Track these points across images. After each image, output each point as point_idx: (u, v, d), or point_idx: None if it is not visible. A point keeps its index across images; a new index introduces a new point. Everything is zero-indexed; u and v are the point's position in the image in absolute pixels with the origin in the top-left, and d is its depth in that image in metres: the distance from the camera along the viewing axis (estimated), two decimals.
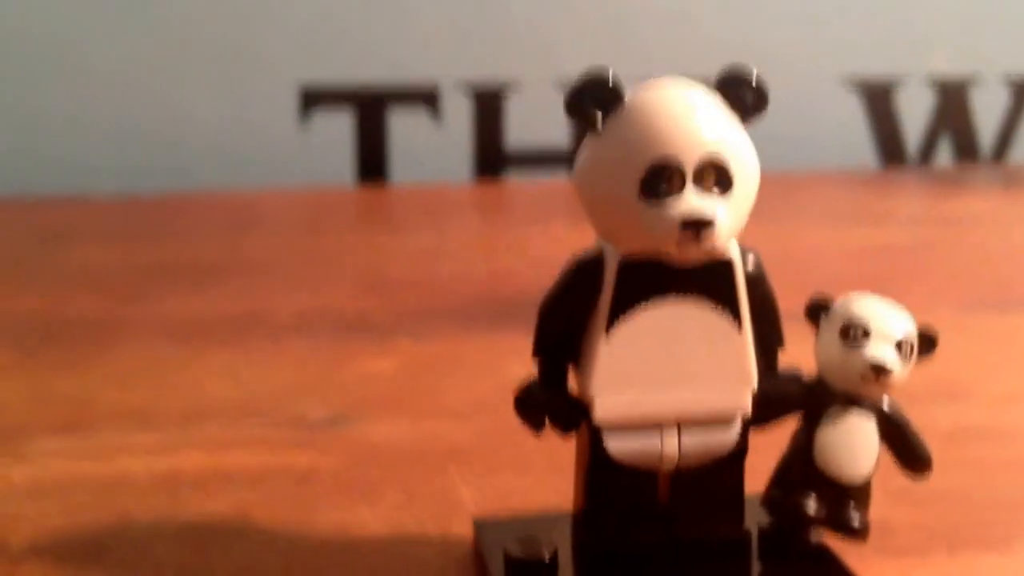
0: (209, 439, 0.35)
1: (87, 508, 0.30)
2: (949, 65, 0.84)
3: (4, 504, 0.30)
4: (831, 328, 0.25)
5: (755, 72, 0.22)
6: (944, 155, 0.86)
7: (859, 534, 0.25)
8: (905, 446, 0.25)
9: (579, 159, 0.23)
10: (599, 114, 0.22)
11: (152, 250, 0.59)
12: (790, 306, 0.25)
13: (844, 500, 0.25)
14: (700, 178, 0.22)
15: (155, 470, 0.32)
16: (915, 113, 0.85)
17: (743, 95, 0.22)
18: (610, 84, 0.22)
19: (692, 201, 0.22)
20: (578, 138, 0.23)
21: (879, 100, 0.84)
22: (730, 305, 0.24)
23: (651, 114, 0.22)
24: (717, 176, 0.22)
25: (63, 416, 0.37)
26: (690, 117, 0.22)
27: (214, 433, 0.35)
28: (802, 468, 0.25)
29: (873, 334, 0.24)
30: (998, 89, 0.86)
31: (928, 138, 0.86)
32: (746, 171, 0.22)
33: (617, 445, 0.24)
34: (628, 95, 0.22)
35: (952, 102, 0.85)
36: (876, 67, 0.84)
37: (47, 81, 0.73)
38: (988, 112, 0.86)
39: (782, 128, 0.78)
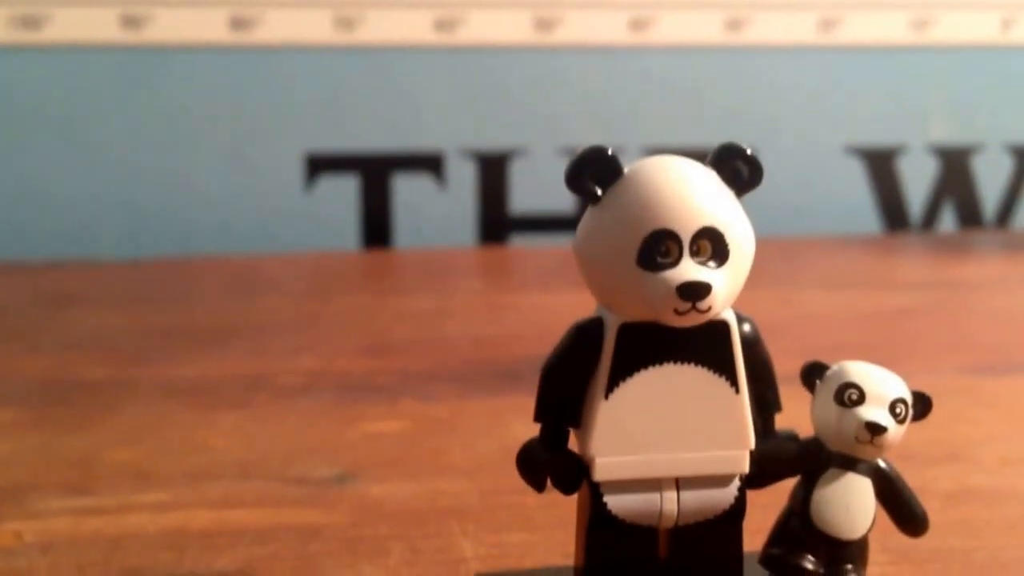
0: (216, 497, 0.35)
1: (96, 564, 0.30)
2: (948, 135, 0.86)
3: (15, 560, 0.31)
4: (826, 391, 0.25)
5: (748, 147, 0.23)
6: (947, 221, 0.87)
7: None
8: (901, 506, 0.26)
9: (580, 229, 0.24)
10: (598, 188, 0.23)
11: (159, 313, 0.60)
12: (790, 369, 0.26)
13: (841, 558, 0.26)
14: (696, 249, 0.23)
15: (163, 527, 0.33)
16: (918, 180, 0.86)
17: (738, 169, 0.23)
18: (609, 158, 0.23)
19: (689, 271, 0.22)
20: (581, 206, 0.24)
21: (882, 167, 0.85)
22: (727, 368, 0.24)
23: (649, 187, 0.23)
24: (713, 247, 0.23)
25: (72, 474, 0.37)
26: (687, 190, 0.23)
27: (221, 491, 0.36)
28: (800, 526, 0.26)
29: (867, 396, 0.25)
30: (1000, 156, 0.87)
31: (931, 204, 0.87)
32: (741, 242, 0.23)
33: (617, 503, 0.24)
34: (627, 169, 0.23)
35: (954, 169, 0.86)
36: (878, 135, 0.85)
37: (55, 149, 0.75)
38: (991, 179, 0.87)
39: (786, 196, 0.80)
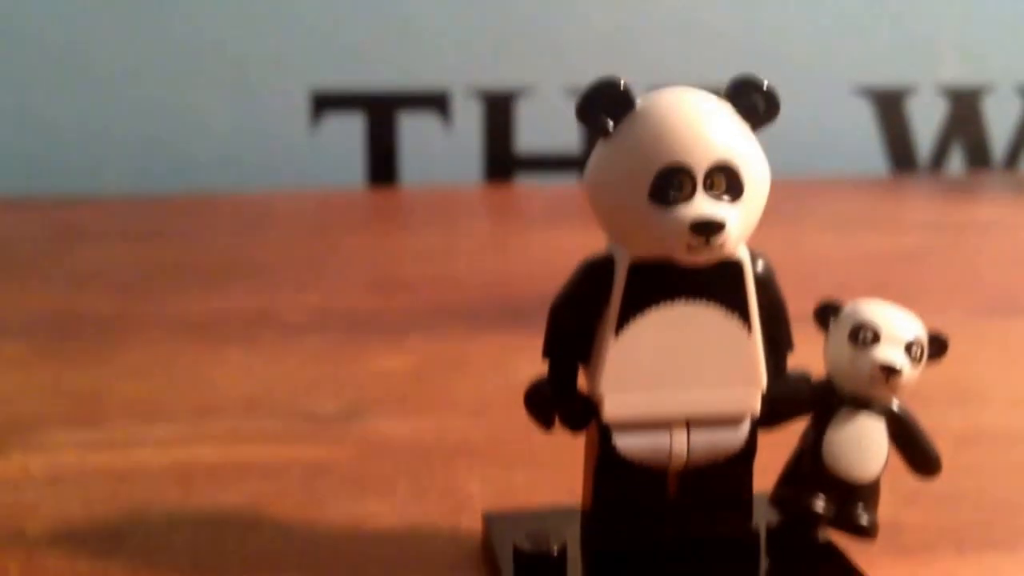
0: (222, 432, 0.35)
1: (103, 498, 0.31)
2: (959, 73, 0.85)
3: (22, 493, 0.31)
4: (840, 331, 0.25)
5: (766, 80, 0.23)
6: (956, 163, 0.86)
7: (867, 533, 0.25)
8: (914, 447, 0.26)
9: (590, 164, 0.23)
10: (610, 120, 0.22)
11: (165, 249, 0.60)
12: (799, 309, 0.25)
13: (852, 500, 0.25)
14: (710, 184, 0.22)
15: (169, 462, 0.33)
16: (927, 121, 0.85)
17: (754, 103, 0.23)
18: (621, 90, 0.22)
19: (702, 206, 0.22)
20: (589, 143, 0.23)
21: (891, 108, 0.85)
22: (739, 307, 0.24)
23: (662, 120, 0.22)
24: (727, 182, 0.22)
25: (78, 409, 0.37)
26: (701, 124, 0.22)
27: (227, 427, 0.36)
28: (811, 467, 0.26)
29: (883, 337, 0.25)
30: (1011, 97, 0.86)
31: (939, 146, 0.86)
32: (756, 178, 0.22)
33: (626, 443, 0.24)
34: (639, 102, 0.23)
35: (964, 110, 0.86)
36: (888, 76, 0.84)
37: (62, 86, 0.74)
38: (1000, 120, 0.86)
39: (794, 135, 0.79)
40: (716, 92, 0.23)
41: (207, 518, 0.29)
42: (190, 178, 0.75)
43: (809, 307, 0.26)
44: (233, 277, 0.54)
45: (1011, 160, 0.87)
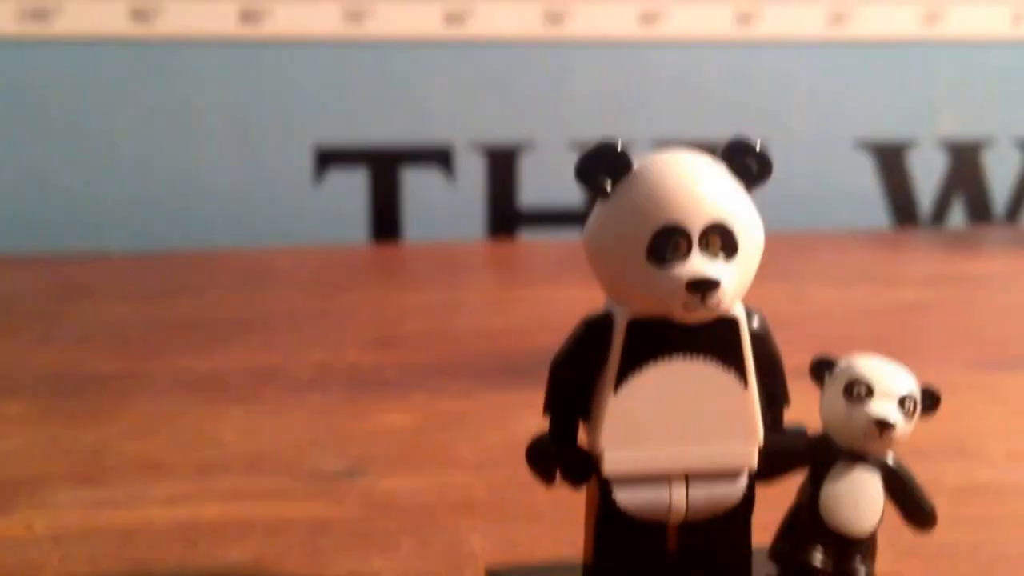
0: (226, 489, 0.35)
1: (108, 556, 0.31)
2: (958, 127, 0.85)
3: (28, 551, 0.31)
4: (835, 386, 0.25)
5: (758, 142, 0.23)
6: (957, 216, 0.87)
7: None
8: (909, 501, 0.26)
9: (589, 223, 0.24)
10: (608, 181, 0.23)
11: (169, 306, 0.60)
12: (799, 363, 0.26)
13: (850, 553, 0.26)
14: (706, 243, 0.23)
15: (174, 519, 0.33)
16: (928, 175, 0.86)
17: (747, 164, 0.23)
18: (619, 153, 0.23)
19: (698, 265, 0.22)
20: (590, 200, 0.24)
21: (891, 162, 0.85)
22: (736, 363, 0.24)
23: (658, 182, 0.23)
24: (722, 241, 0.23)
25: (83, 466, 0.37)
26: (695, 185, 0.23)
27: (231, 484, 0.36)
28: (809, 521, 0.26)
29: (876, 392, 0.25)
30: (1010, 151, 0.87)
31: (941, 199, 0.87)
32: (750, 237, 0.23)
33: (626, 497, 0.25)
34: (636, 163, 0.23)
35: (964, 164, 0.86)
36: (888, 130, 0.85)
37: (66, 144, 0.75)
38: (1000, 174, 0.87)
39: (796, 189, 0.79)
40: (713, 151, 0.24)
41: (212, 575, 0.30)
42: (194, 235, 0.76)
43: (808, 361, 0.26)
44: (236, 334, 0.54)
45: (1012, 213, 0.87)
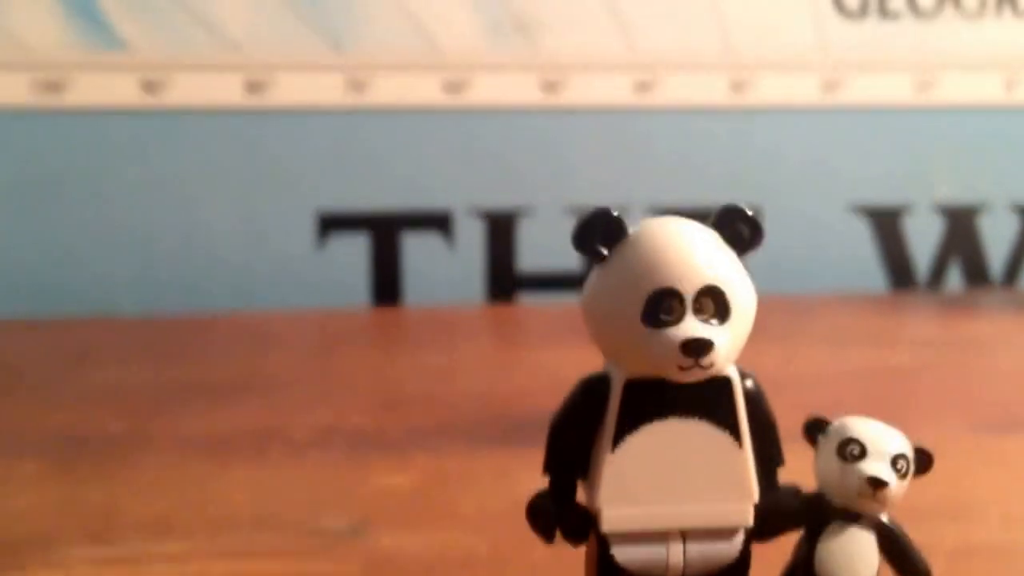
0: (233, 548, 0.36)
1: None
2: (954, 193, 0.86)
3: None
4: (829, 446, 0.26)
5: (749, 209, 0.24)
6: (954, 280, 0.87)
7: None
8: (904, 561, 0.26)
9: (586, 288, 0.25)
10: (604, 248, 0.24)
11: (175, 369, 0.61)
12: (793, 424, 0.27)
13: None
14: (699, 307, 0.23)
15: None
16: (924, 239, 0.87)
17: (739, 230, 0.24)
18: (614, 219, 0.24)
19: (691, 327, 0.23)
20: (587, 265, 0.25)
21: (887, 226, 0.86)
22: (730, 423, 0.25)
23: (653, 247, 0.24)
24: (715, 305, 0.24)
25: (91, 525, 0.38)
26: (688, 250, 0.24)
27: (238, 542, 0.36)
28: None
29: (869, 451, 0.26)
30: (1006, 215, 0.87)
31: (937, 263, 0.87)
32: (742, 300, 0.24)
33: (624, 554, 0.25)
34: (631, 230, 0.24)
35: (960, 228, 0.87)
36: (884, 195, 0.86)
37: (70, 209, 0.76)
38: (997, 238, 0.87)
39: (792, 254, 0.80)
40: (705, 218, 0.25)
41: None
42: (198, 299, 0.76)
43: (802, 423, 0.27)
44: (241, 395, 0.55)
45: (1009, 276, 0.88)
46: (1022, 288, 0.88)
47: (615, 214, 0.24)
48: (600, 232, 0.24)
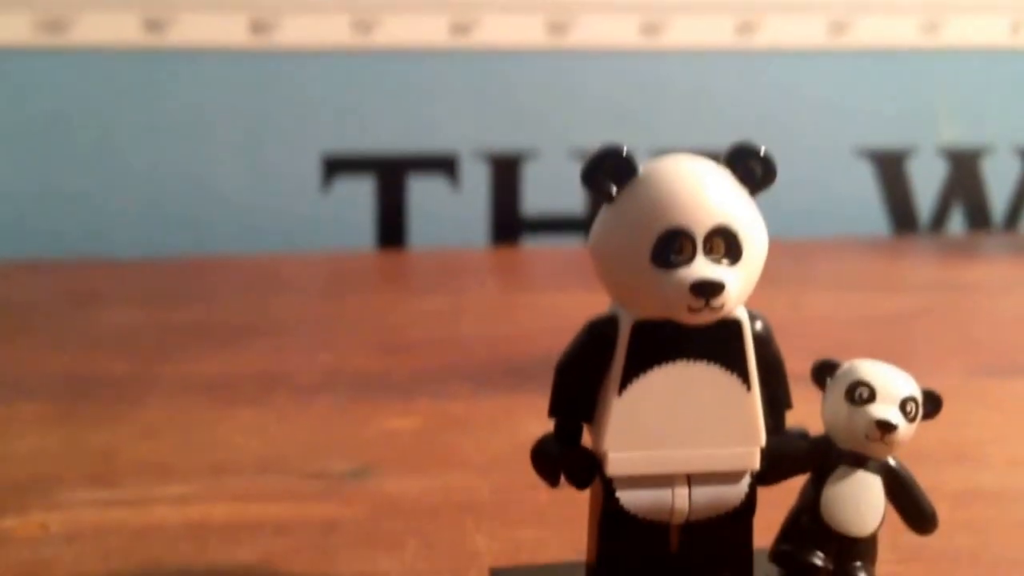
0: (236, 490, 0.36)
1: (120, 554, 0.31)
2: (958, 136, 0.86)
3: (41, 549, 0.32)
4: (837, 390, 0.26)
5: (763, 147, 0.24)
6: (956, 224, 0.87)
7: None
8: (911, 504, 0.26)
9: (594, 229, 0.24)
10: (613, 186, 0.24)
11: (179, 311, 0.60)
12: (799, 369, 0.26)
13: (850, 556, 0.26)
14: (710, 247, 0.23)
15: (184, 519, 0.34)
16: (927, 182, 0.86)
17: (752, 168, 0.24)
18: (624, 157, 0.24)
19: (702, 268, 0.23)
20: (593, 206, 0.24)
21: (891, 170, 0.86)
22: (739, 366, 0.25)
23: (663, 186, 0.23)
24: (726, 246, 0.23)
25: (96, 467, 0.38)
26: (700, 189, 0.23)
27: (241, 485, 0.36)
28: (810, 523, 0.26)
29: (878, 395, 0.25)
30: (1009, 159, 0.87)
31: (940, 207, 0.87)
32: (754, 241, 0.23)
33: (629, 498, 0.25)
34: (641, 168, 0.24)
35: (963, 171, 0.87)
36: (888, 138, 0.85)
37: (79, 151, 0.75)
38: (1000, 181, 0.87)
39: (796, 198, 0.80)
40: (716, 158, 0.24)
41: (221, 574, 0.30)
42: (203, 241, 0.76)
43: (809, 366, 0.26)
44: (245, 339, 0.55)
45: (1010, 221, 0.88)
46: (1023, 232, 0.87)
47: (625, 151, 0.24)
48: (610, 170, 0.24)
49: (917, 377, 0.26)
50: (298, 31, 0.77)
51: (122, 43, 0.75)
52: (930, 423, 0.26)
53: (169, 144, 0.76)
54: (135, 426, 0.42)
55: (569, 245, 0.79)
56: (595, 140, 0.24)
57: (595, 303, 0.25)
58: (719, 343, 0.24)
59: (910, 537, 0.27)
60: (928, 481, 0.27)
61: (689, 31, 0.81)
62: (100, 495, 0.35)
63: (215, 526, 0.33)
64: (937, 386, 0.26)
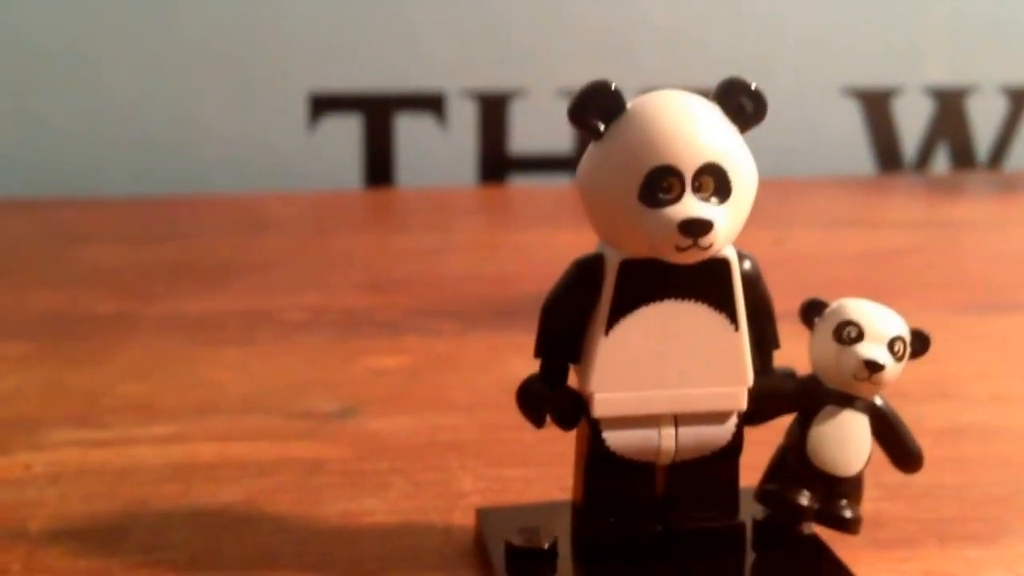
0: (220, 430, 0.36)
1: (103, 495, 0.31)
2: (944, 75, 0.85)
3: (24, 490, 0.31)
4: (825, 329, 0.26)
5: (753, 82, 0.23)
6: (941, 162, 0.87)
7: (851, 526, 0.26)
8: (896, 443, 0.26)
9: (582, 165, 0.24)
10: (601, 123, 0.23)
11: (165, 250, 0.60)
12: (786, 308, 0.26)
13: (836, 494, 0.26)
14: (699, 185, 0.23)
15: (168, 459, 0.33)
16: (913, 121, 0.86)
17: (742, 104, 0.23)
18: (612, 93, 0.23)
19: (691, 207, 0.22)
20: (582, 145, 0.24)
21: (877, 108, 0.85)
22: (727, 305, 0.24)
23: (652, 122, 0.23)
24: (716, 183, 0.23)
25: (79, 407, 0.38)
26: (690, 125, 0.23)
27: (225, 425, 0.36)
28: (796, 463, 0.26)
29: (866, 334, 0.25)
30: (995, 97, 0.87)
31: (925, 145, 0.87)
32: (744, 179, 0.23)
33: (616, 439, 0.25)
34: (629, 104, 0.23)
35: (949, 110, 0.86)
36: (874, 77, 0.85)
37: (61, 88, 0.74)
38: (984, 120, 0.87)
39: (783, 136, 0.79)
40: (705, 94, 0.24)
41: (205, 514, 0.30)
42: (189, 180, 0.76)
43: (795, 305, 0.26)
44: (231, 277, 0.54)
45: (995, 159, 0.88)
46: (1008, 170, 0.87)
47: (613, 87, 0.23)
48: (597, 106, 0.23)
49: (902, 314, 0.26)
50: None
51: None
52: (915, 360, 0.26)
53: (154, 80, 0.76)
54: (119, 366, 0.42)
55: (557, 184, 0.79)
56: (583, 78, 0.23)
57: (583, 242, 0.25)
58: (707, 282, 0.24)
59: (894, 474, 0.27)
60: (912, 418, 0.27)
61: None
62: (83, 435, 0.35)
63: (199, 466, 0.33)
64: (922, 323, 0.26)
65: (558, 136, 0.79)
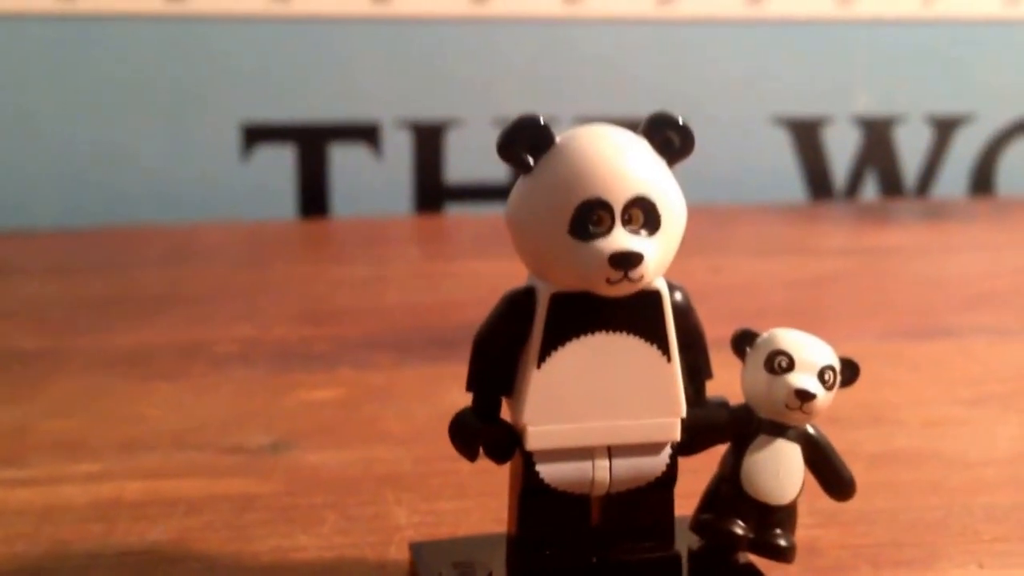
0: (149, 467, 0.35)
1: (25, 536, 0.30)
2: (872, 105, 0.87)
3: None
4: (756, 359, 0.26)
5: (680, 116, 0.24)
6: (870, 190, 0.89)
7: (785, 554, 0.26)
8: (829, 471, 0.27)
9: (512, 198, 0.24)
10: (530, 157, 0.23)
11: (94, 283, 0.59)
12: (722, 334, 0.26)
13: (771, 523, 0.26)
14: (628, 218, 0.23)
15: (94, 498, 0.33)
16: (842, 150, 0.88)
17: (670, 138, 0.23)
18: (541, 127, 0.23)
19: (621, 239, 0.23)
20: (514, 174, 0.24)
21: (807, 137, 0.87)
22: (659, 337, 0.24)
23: (581, 156, 0.23)
24: (645, 216, 0.23)
25: (2, 446, 0.37)
26: (618, 159, 0.23)
27: (154, 461, 0.36)
28: (730, 492, 0.26)
29: (797, 364, 0.25)
30: (921, 127, 0.89)
31: (854, 174, 0.88)
32: (673, 211, 0.23)
33: (549, 471, 0.25)
34: (558, 138, 0.23)
35: (877, 139, 0.88)
36: (804, 107, 0.86)
37: None
38: (912, 149, 0.89)
39: (714, 165, 0.80)
40: (635, 127, 0.24)
41: (132, 554, 0.29)
42: (120, 212, 0.75)
43: (729, 332, 0.26)
44: (162, 310, 0.53)
45: (921, 187, 0.90)
46: (934, 198, 0.89)
47: (542, 121, 0.23)
48: (526, 140, 0.23)
49: (833, 341, 0.26)
50: None
51: (36, 10, 0.73)
52: (847, 388, 0.26)
53: (84, 112, 0.75)
54: (44, 402, 0.41)
55: (493, 213, 0.79)
56: (517, 108, 0.23)
57: (520, 272, 0.25)
58: (638, 314, 0.24)
59: (828, 501, 0.27)
60: (844, 444, 0.27)
61: (609, 1, 0.81)
62: (6, 475, 0.34)
63: (126, 505, 0.32)
64: (852, 349, 0.26)
65: (494, 165, 0.79)
